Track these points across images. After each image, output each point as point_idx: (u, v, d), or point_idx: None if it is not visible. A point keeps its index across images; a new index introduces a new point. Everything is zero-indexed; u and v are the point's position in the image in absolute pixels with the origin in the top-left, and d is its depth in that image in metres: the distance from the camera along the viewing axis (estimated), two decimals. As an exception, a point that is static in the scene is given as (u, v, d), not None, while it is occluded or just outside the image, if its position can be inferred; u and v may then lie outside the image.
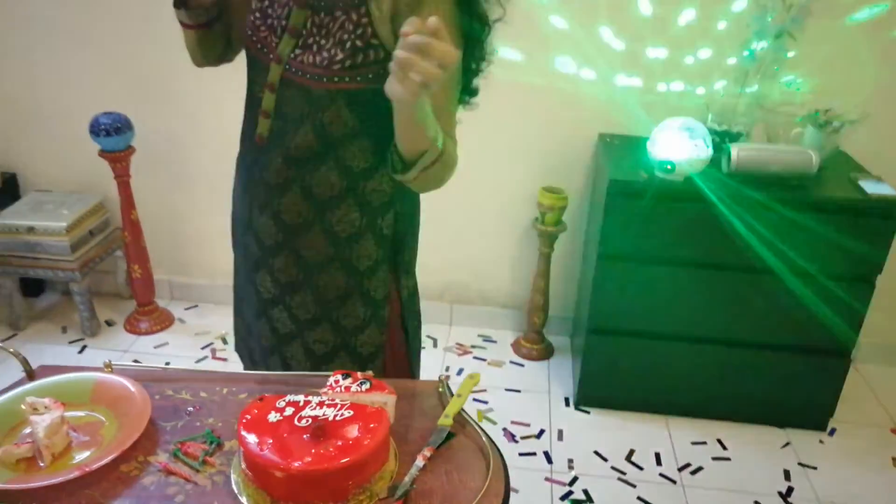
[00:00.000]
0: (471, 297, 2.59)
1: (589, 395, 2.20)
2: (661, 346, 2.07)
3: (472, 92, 1.11)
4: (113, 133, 2.20)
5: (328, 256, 1.13)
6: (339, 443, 0.86)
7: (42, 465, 0.89)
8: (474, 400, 2.23)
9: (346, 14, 1.00)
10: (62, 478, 0.85)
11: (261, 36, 1.07)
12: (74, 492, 0.86)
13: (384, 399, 0.95)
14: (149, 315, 2.52)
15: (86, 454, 0.91)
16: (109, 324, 2.53)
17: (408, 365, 1.32)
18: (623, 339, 2.08)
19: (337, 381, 0.97)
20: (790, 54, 2.01)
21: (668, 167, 1.84)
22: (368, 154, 1.08)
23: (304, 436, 0.86)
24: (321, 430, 0.87)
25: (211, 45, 1.18)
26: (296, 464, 0.82)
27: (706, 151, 1.87)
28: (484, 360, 2.44)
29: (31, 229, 2.29)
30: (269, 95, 1.06)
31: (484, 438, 0.96)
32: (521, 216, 2.41)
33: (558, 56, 2.17)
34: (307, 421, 0.88)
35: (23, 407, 0.93)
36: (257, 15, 1.07)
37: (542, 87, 2.20)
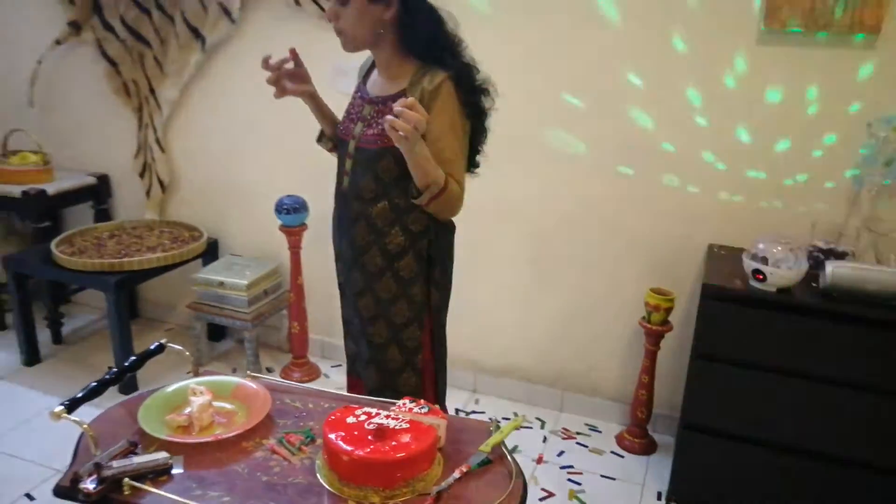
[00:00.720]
0: (581, 386, 2.75)
1: (681, 491, 2.26)
2: (756, 452, 2.11)
3: (476, 164, 1.71)
4: (292, 212, 2.71)
5: (383, 267, 1.63)
6: (394, 443, 1.13)
7: (193, 432, 1.24)
8: (568, 479, 2.36)
9: (394, 102, 1.51)
10: (203, 440, 1.20)
11: (345, 125, 1.71)
12: (209, 453, 1.20)
13: (437, 422, 1.21)
14: (301, 367, 2.94)
15: (220, 430, 1.26)
16: (269, 370, 2.99)
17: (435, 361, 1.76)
18: (717, 439, 2.15)
19: (404, 404, 1.24)
20: (902, 180, 2.08)
21: (761, 276, 1.97)
22: (397, 214, 1.61)
23: (369, 436, 1.14)
24: (382, 433, 1.15)
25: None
26: (358, 452, 1.10)
27: (802, 265, 1.97)
28: (586, 446, 2.57)
29: (221, 283, 2.83)
30: (349, 160, 1.66)
31: (512, 467, 1.19)
32: (632, 313, 2.57)
33: (666, 174, 2.39)
34: (373, 425, 1.16)
35: (189, 389, 1.30)
36: (343, 115, 1.75)
37: (656, 198, 2.42)
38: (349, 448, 1.11)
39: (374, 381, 1.70)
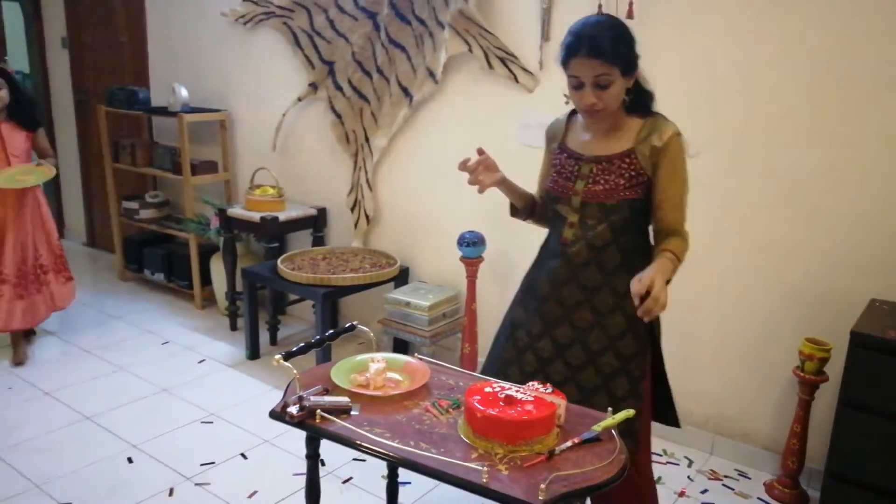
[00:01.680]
0: (732, 431, 2.79)
1: (828, 546, 2.24)
2: (908, 511, 2.06)
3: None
4: (472, 245, 3.09)
5: (613, 306, 1.76)
6: (518, 409, 1.41)
7: (369, 389, 1.62)
8: (709, 516, 2.43)
9: (621, 160, 1.72)
10: (375, 394, 1.57)
11: (560, 184, 1.82)
12: (378, 405, 1.56)
13: (557, 401, 1.47)
14: (468, 386, 3.28)
15: (391, 392, 1.62)
16: (441, 386, 3.36)
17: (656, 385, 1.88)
18: (865, 492, 2.13)
19: (533, 384, 1.52)
20: None
21: (912, 328, 1.97)
22: (638, 240, 1.77)
23: (500, 402, 1.43)
24: (510, 400, 1.43)
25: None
26: (489, 411, 1.40)
27: (962, 321, 1.95)
28: (732, 489, 2.61)
29: (407, 304, 3.27)
30: (573, 214, 1.78)
31: (618, 444, 1.41)
32: (788, 361, 2.60)
33: (834, 223, 2.44)
34: (504, 395, 1.45)
35: (370, 358, 1.68)
36: (554, 175, 1.85)
37: (822, 249, 2.48)
38: (482, 407, 1.40)
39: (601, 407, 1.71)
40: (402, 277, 3.51)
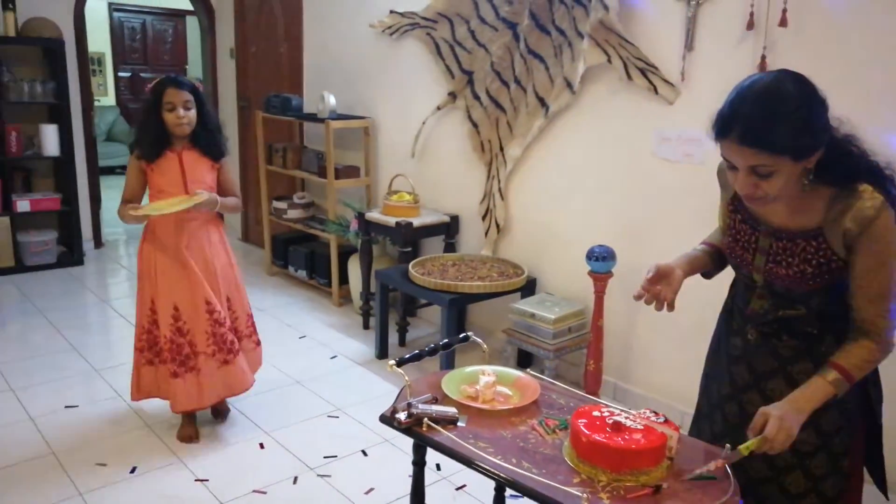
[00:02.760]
0: None
1: None
2: None
3: None
4: (601, 259, 3.02)
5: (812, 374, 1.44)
6: (626, 437, 1.36)
7: (478, 401, 1.62)
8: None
9: (806, 241, 1.41)
10: (483, 407, 1.57)
11: (737, 253, 1.56)
12: (485, 418, 1.56)
13: (669, 432, 1.40)
14: (591, 403, 3.20)
15: (498, 407, 1.61)
16: (563, 401, 3.31)
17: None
18: None
19: (644, 412, 1.46)
20: None
21: None
22: (828, 322, 1.47)
23: (607, 428, 1.39)
24: (617, 427, 1.38)
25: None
26: (595, 436, 1.36)
27: None
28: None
29: (532, 315, 3.25)
30: (758, 288, 1.53)
31: (732, 485, 1.32)
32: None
33: None
34: (612, 420, 1.40)
35: (480, 371, 1.69)
36: (730, 240, 1.59)
37: None
38: (588, 432, 1.37)
39: (796, 488, 1.52)
40: (528, 288, 3.49)
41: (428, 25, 3.92)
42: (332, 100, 4.33)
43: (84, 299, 4.50)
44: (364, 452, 2.81)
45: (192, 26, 10.57)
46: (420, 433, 1.50)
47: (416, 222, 3.76)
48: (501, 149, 3.65)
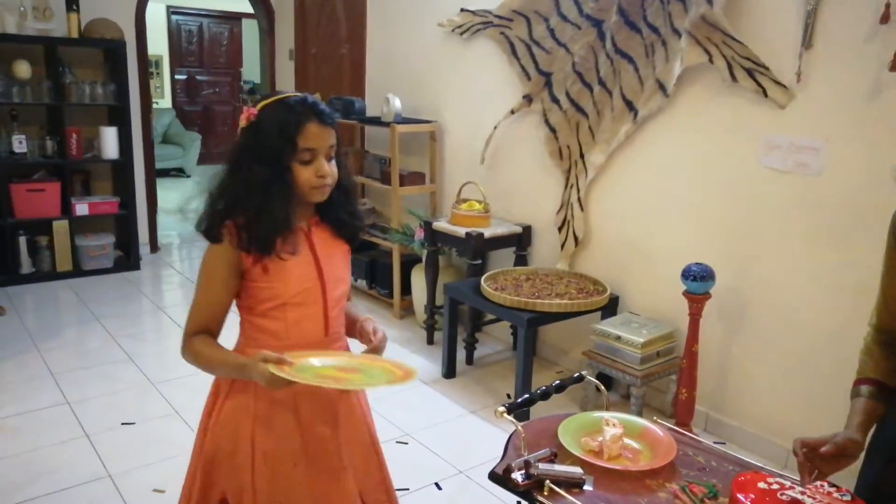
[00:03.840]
0: None
1: None
2: None
3: None
4: (699, 279, 2.73)
5: None
6: (807, 522, 1.09)
7: (603, 458, 1.37)
8: None
9: None
10: (613, 466, 1.32)
11: None
12: (615, 480, 1.31)
13: (859, 513, 1.13)
14: (682, 436, 2.91)
15: (627, 463, 1.36)
16: (649, 431, 3.03)
17: None
18: None
19: (823, 486, 1.19)
20: None
21: None
22: None
23: (781, 506, 1.13)
24: (795, 505, 1.12)
25: None
26: (768, 518, 1.10)
27: None
28: None
29: (618, 338, 2.98)
30: None
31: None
32: None
33: None
34: (787, 497, 1.14)
35: (602, 420, 1.44)
36: None
37: None
38: (758, 511, 1.11)
39: None
40: (610, 307, 3.22)
41: (502, 24, 3.69)
42: (397, 103, 4.13)
43: (140, 306, 4.39)
44: (438, 486, 2.58)
45: (248, 29, 10.56)
46: (542, 500, 1.25)
47: (488, 233, 3.53)
48: (582, 155, 3.39)
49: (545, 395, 1.47)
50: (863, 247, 2.46)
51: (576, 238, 3.45)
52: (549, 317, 3.05)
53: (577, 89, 3.36)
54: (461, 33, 3.93)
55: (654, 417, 1.54)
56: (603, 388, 1.58)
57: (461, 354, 3.62)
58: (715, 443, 3.00)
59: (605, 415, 1.48)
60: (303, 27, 5.41)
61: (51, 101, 4.60)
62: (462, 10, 3.91)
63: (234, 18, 10.37)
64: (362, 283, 4.56)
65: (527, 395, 1.45)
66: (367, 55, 4.78)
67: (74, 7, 4.61)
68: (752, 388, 2.88)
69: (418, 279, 4.05)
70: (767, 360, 2.81)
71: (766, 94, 2.66)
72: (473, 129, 3.96)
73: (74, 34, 4.64)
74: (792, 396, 2.74)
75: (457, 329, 3.46)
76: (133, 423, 2.93)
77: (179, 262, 5.46)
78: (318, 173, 1.39)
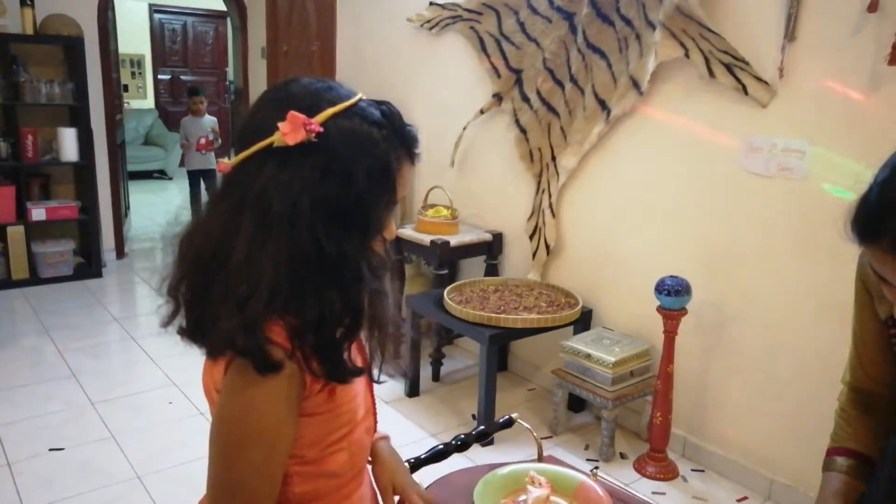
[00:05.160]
0: None
1: None
2: None
3: None
4: (673, 294, 2.50)
5: None
6: None
7: (524, 525, 1.14)
8: None
9: None
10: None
11: None
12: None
13: None
14: (657, 462, 2.68)
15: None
16: (623, 456, 2.79)
17: None
18: None
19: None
20: None
21: None
22: None
23: None
24: None
25: None
26: None
27: None
28: None
29: (588, 356, 2.75)
30: None
31: None
32: None
33: None
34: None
35: (526, 477, 1.21)
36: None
37: None
38: None
39: None
40: (583, 321, 2.99)
41: (472, 18, 3.46)
42: (364, 102, 3.90)
43: (95, 316, 4.16)
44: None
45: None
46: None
47: (454, 241, 3.29)
48: (553, 158, 3.16)
49: (463, 447, 1.24)
50: (852, 260, 2.23)
51: (547, 246, 3.22)
52: (513, 333, 2.82)
53: (548, 87, 3.13)
54: (430, 28, 3.71)
55: (595, 469, 1.31)
56: (535, 435, 1.34)
57: (427, 371, 3.39)
58: (693, 470, 2.79)
59: (533, 469, 1.25)
60: (274, 24, 5.19)
61: (4, 100, 4.38)
62: (431, 3, 3.68)
63: (219, 17, 10.14)
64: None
65: (438, 447, 1.22)
66: (336, 52, 4.55)
67: (28, 2, 4.39)
68: (733, 411, 2.65)
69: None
70: (749, 382, 2.58)
71: (746, 92, 2.43)
72: (443, 130, 3.74)
73: (29, 30, 4.42)
74: (775, 421, 2.51)
75: (419, 344, 3.23)
76: (62, 449, 2.71)
77: (145, 267, 5.23)
78: (392, 234, 0.97)
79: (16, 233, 4.48)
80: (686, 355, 2.71)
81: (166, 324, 0.97)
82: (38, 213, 4.54)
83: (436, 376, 3.42)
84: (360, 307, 0.91)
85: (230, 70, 10.57)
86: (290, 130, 0.87)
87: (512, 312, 2.86)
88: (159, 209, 7.50)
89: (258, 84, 5.55)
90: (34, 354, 3.56)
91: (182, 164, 9.56)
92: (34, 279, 4.59)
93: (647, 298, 2.70)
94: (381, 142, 0.91)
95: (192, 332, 0.96)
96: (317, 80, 0.95)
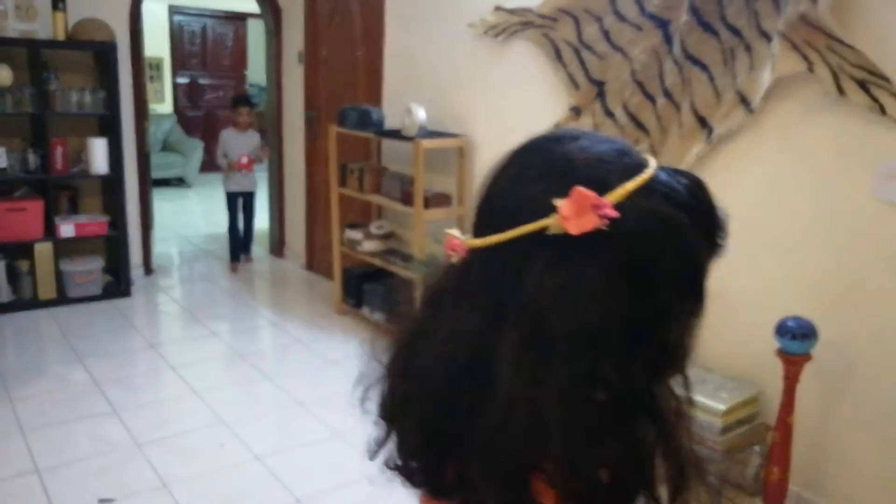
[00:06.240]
0: None
1: None
2: None
3: None
4: (799, 338, 2.24)
5: None
6: None
7: None
8: None
9: None
10: None
11: None
12: None
13: None
14: (769, 521, 2.42)
15: None
16: (728, 513, 2.53)
17: None
18: None
19: None
20: None
21: None
22: None
23: None
24: None
25: None
26: None
27: None
28: None
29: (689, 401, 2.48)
30: None
31: None
32: None
33: None
34: None
35: None
36: None
37: None
38: None
39: None
40: (678, 360, 2.71)
41: (545, 24, 3.20)
42: (421, 114, 3.64)
43: (130, 342, 3.90)
44: None
45: (253, 30, 10.11)
46: None
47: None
48: (641, 179, 2.89)
49: None
50: None
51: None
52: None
53: (636, 101, 2.87)
54: (496, 35, 3.45)
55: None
56: None
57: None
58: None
59: None
60: (313, 27, 4.93)
61: (34, 110, 4.13)
62: (497, 8, 3.42)
63: (238, 19, 9.92)
64: (379, 316, 4.06)
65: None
66: (384, 59, 4.29)
67: (60, 6, 4.14)
68: (858, 466, 2.38)
69: (444, 315, 3.56)
70: (878, 434, 2.31)
71: (883, 111, 2.16)
72: (509, 145, 3.46)
73: (61, 36, 4.17)
74: (912, 481, 2.24)
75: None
76: (112, 501, 2.45)
77: (176, 286, 4.98)
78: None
79: (43, 250, 4.23)
80: (803, 401, 2.44)
81: (374, 453, 0.72)
82: (66, 230, 4.29)
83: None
84: (648, 464, 0.63)
85: (249, 73, 10.34)
86: (575, 214, 0.60)
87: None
88: (180, 219, 7.27)
89: (293, 91, 5.29)
90: (69, 386, 3.31)
91: (201, 169, 9.22)
92: (62, 299, 4.34)
93: (757, 339, 2.44)
94: (689, 231, 0.64)
95: (411, 470, 0.69)
96: (593, 136, 0.68)
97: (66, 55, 4.34)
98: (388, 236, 4.15)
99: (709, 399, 2.45)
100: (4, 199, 4.16)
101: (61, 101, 4.22)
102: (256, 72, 10.44)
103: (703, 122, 2.63)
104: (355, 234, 4.15)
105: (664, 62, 2.76)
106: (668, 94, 2.75)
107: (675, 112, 2.74)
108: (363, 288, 4.16)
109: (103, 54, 4.32)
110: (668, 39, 2.73)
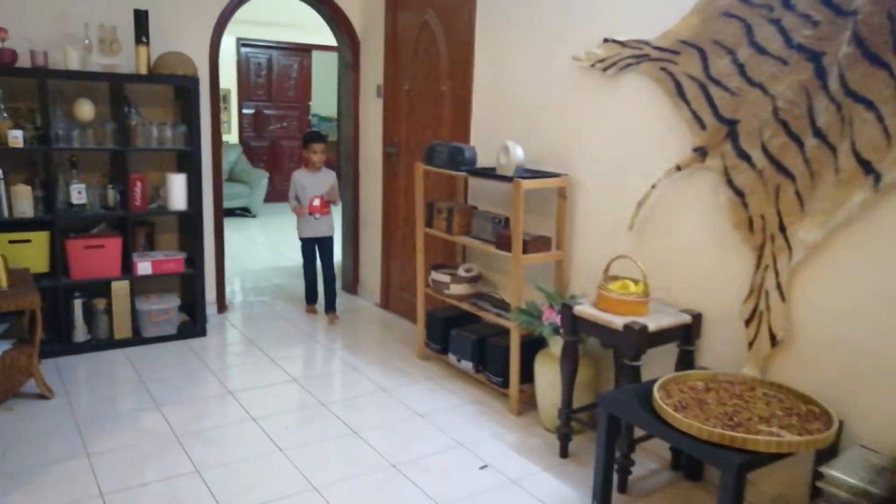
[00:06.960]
0: None
1: None
2: None
3: None
4: None
5: None
6: None
7: None
8: None
9: None
10: None
11: None
12: None
13: None
14: None
15: None
16: None
17: None
18: None
19: None
20: None
21: None
22: None
23: None
24: None
25: None
26: None
27: None
28: None
29: (866, 494, 2.13)
30: None
31: None
32: None
33: None
34: None
35: None
36: None
37: None
38: None
39: None
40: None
41: (664, 58, 2.93)
42: (519, 152, 3.39)
43: (206, 388, 3.71)
44: None
45: (318, 61, 10.10)
46: None
47: (652, 325, 2.73)
48: (783, 228, 2.58)
49: None
50: None
51: (773, 336, 2.62)
52: (762, 458, 2.21)
53: (779, 143, 2.56)
54: (604, 69, 3.19)
55: None
56: None
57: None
58: None
59: None
60: (394, 60, 4.76)
61: (114, 145, 4.03)
62: (606, 40, 3.17)
63: (304, 50, 9.92)
64: (467, 364, 3.79)
65: None
66: (473, 93, 4.07)
67: (144, 39, 4.05)
68: None
69: (544, 369, 3.28)
70: None
71: None
72: (618, 187, 3.19)
73: (143, 70, 4.07)
74: None
75: (612, 454, 2.64)
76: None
77: (250, 325, 4.80)
78: None
79: (121, 288, 4.10)
80: None
81: None
82: (143, 267, 4.15)
83: (622, 487, 2.83)
84: None
85: (313, 104, 10.32)
86: None
87: (747, 423, 2.27)
88: (246, 250, 7.17)
89: (371, 126, 5.12)
90: (149, 439, 3.11)
91: (266, 198, 8.93)
92: (137, 338, 4.19)
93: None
94: None
95: None
96: None
97: (146, 89, 4.26)
98: (476, 279, 3.90)
99: (880, 490, 2.10)
100: (82, 236, 4.05)
101: (142, 136, 4.11)
102: (320, 103, 10.43)
103: (867, 167, 2.31)
104: (442, 277, 3.90)
105: (815, 99, 2.45)
106: (820, 135, 2.44)
107: (830, 155, 2.42)
108: (450, 333, 3.89)
109: (184, 88, 4.20)
110: (820, 74, 2.43)
